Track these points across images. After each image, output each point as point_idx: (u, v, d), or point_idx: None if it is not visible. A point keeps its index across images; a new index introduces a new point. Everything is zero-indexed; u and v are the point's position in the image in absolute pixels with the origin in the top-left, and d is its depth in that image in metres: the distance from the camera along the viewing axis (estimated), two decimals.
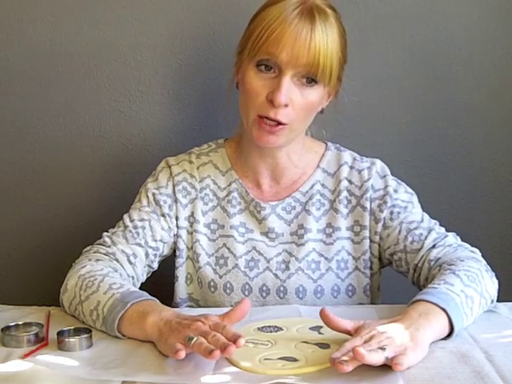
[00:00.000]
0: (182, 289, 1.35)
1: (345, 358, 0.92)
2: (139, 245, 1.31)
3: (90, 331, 1.08)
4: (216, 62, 1.52)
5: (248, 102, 1.25)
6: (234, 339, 0.95)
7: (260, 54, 1.22)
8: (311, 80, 1.22)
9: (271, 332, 1.09)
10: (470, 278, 1.12)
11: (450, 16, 1.55)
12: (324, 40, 1.20)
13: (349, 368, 0.90)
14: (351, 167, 1.35)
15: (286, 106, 1.21)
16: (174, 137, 1.57)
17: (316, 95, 1.24)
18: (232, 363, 0.98)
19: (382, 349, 0.93)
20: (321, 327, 1.09)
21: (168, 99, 1.57)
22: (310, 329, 1.09)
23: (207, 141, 1.42)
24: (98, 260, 1.27)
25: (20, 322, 1.13)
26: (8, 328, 1.11)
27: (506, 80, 1.58)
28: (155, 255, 1.33)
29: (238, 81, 1.30)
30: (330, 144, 1.39)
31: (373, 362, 0.92)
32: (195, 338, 0.97)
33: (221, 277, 1.32)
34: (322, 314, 1.03)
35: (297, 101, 1.22)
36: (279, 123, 1.22)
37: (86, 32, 1.53)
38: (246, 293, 1.32)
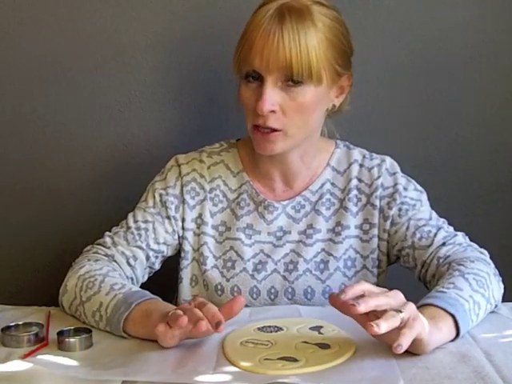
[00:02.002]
0: (186, 290, 1.34)
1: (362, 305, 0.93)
2: (140, 247, 1.30)
3: (90, 331, 1.08)
4: (216, 62, 1.52)
5: (244, 113, 1.25)
6: (215, 322, 0.98)
7: (242, 65, 1.22)
8: (297, 81, 1.20)
9: (271, 332, 1.08)
10: (478, 283, 1.11)
11: (453, 15, 1.55)
12: (295, 39, 1.17)
13: (360, 309, 0.92)
14: (361, 165, 1.34)
15: (274, 112, 1.20)
16: (174, 137, 1.57)
17: (307, 96, 1.21)
18: (232, 363, 0.98)
19: (399, 311, 0.94)
20: (321, 327, 1.09)
21: (168, 99, 1.57)
22: (310, 329, 1.09)
23: (207, 140, 1.41)
24: (96, 260, 1.26)
25: (20, 322, 1.13)
26: (8, 328, 1.11)
27: (507, 80, 1.58)
28: (156, 257, 1.33)
29: None
30: (339, 142, 1.37)
31: (391, 324, 0.93)
32: (172, 312, 1.00)
33: (228, 280, 1.31)
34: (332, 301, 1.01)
35: (286, 105, 1.20)
36: (272, 130, 1.21)
37: (85, 32, 1.53)
38: (254, 296, 1.31)
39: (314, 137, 1.31)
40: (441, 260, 1.23)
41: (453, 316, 1.03)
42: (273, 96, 1.20)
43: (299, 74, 1.18)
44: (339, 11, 1.26)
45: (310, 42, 1.18)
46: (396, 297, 0.98)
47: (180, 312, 1.00)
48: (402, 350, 0.92)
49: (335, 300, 0.98)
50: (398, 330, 0.94)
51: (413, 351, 0.98)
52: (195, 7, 1.54)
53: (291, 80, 1.20)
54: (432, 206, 1.33)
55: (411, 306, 0.97)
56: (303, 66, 1.18)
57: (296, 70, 1.18)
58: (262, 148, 1.24)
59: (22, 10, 1.52)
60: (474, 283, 1.11)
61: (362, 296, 0.98)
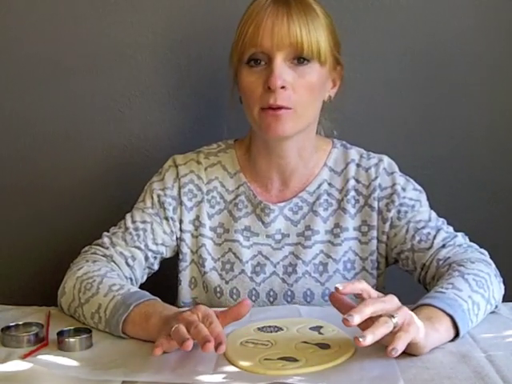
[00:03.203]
0: (185, 293, 1.34)
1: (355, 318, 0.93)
2: (138, 248, 1.30)
3: (90, 331, 1.08)
4: (216, 63, 1.52)
5: (249, 99, 1.24)
6: (217, 343, 0.95)
7: (246, 50, 1.22)
8: (303, 59, 1.22)
9: (271, 332, 1.08)
10: (478, 284, 1.11)
11: (453, 14, 1.55)
12: (303, 19, 1.20)
13: (354, 322, 0.92)
14: (358, 165, 1.33)
15: (284, 88, 1.20)
16: (174, 137, 1.57)
17: (313, 74, 1.23)
18: (232, 363, 0.98)
19: (392, 316, 0.94)
20: (321, 327, 1.09)
21: (168, 99, 1.57)
22: (310, 329, 1.09)
23: (207, 140, 1.41)
24: (95, 261, 1.26)
25: (20, 322, 1.13)
26: (8, 328, 1.11)
27: (508, 79, 1.58)
28: (155, 258, 1.32)
29: (240, 95, 1.29)
30: (336, 141, 1.37)
31: (381, 331, 0.93)
32: (175, 326, 0.98)
33: (227, 282, 1.31)
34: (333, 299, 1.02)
35: (295, 82, 1.21)
36: (283, 108, 1.21)
37: (85, 32, 1.53)
38: (253, 298, 1.31)
39: (311, 128, 1.31)
40: (440, 262, 1.23)
41: (451, 316, 1.02)
42: (283, 72, 1.21)
43: (309, 50, 1.21)
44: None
45: (316, 24, 1.22)
46: (391, 301, 0.98)
47: (184, 330, 0.98)
48: (397, 354, 0.92)
49: (335, 299, 0.99)
50: (393, 334, 0.94)
51: (410, 353, 0.98)
52: (195, 8, 1.54)
53: (299, 58, 1.21)
54: (432, 206, 1.32)
55: (405, 311, 0.97)
56: (313, 44, 1.21)
57: (306, 46, 1.20)
58: (273, 130, 1.23)
59: (22, 10, 1.52)
60: (474, 284, 1.10)
61: (359, 295, 0.98)
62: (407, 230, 1.28)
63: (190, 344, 0.95)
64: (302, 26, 1.20)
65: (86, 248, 1.32)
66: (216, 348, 0.95)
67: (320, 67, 1.23)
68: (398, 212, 1.29)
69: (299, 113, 1.23)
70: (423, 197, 1.32)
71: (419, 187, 1.33)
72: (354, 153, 1.35)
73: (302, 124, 1.25)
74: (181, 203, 1.33)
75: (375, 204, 1.31)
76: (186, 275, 1.34)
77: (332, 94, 1.31)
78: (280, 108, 1.21)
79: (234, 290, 1.31)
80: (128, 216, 1.33)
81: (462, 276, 1.12)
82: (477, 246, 1.27)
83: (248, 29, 1.22)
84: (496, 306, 1.16)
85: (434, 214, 1.31)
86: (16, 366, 0.99)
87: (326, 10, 1.26)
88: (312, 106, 1.26)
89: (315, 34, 1.21)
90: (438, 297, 1.06)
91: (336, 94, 1.32)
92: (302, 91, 1.22)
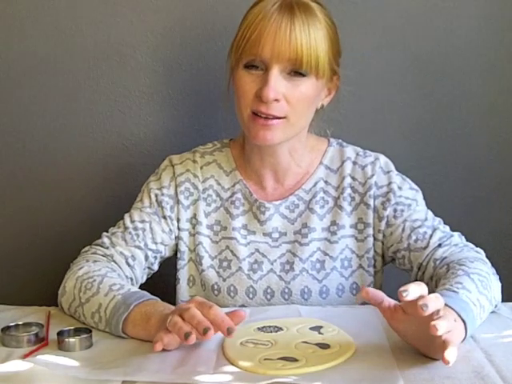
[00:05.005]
0: (183, 291, 1.35)
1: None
2: (138, 247, 1.30)
3: (90, 331, 1.08)
4: (216, 63, 1.52)
5: (240, 101, 1.24)
6: (226, 327, 0.96)
7: (244, 55, 1.22)
8: (300, 73, 1.21)
9: (271, 332, 1.08)
10: (483, 284, 1.09)
11: (451, 15, 1.55)
12: (305, 31, 1.19)
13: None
14: (354, 163, 1.33)
15: (277, 100, 1.21)
16: (174, 137, 1.57)
17: (309, 87, 1.23)
18: (232, 363, 0.98)
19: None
20: (321, 327, 1.09)
21: (168, 99, 1.57)
22: (310, 329, 1.09)
23: (207, 141, 1.41)
24: (95, 261, 1.26)
25: (20, 322, 1.13)
26: (8, 328, 1.11)
27: (506, 80, 1.58)
28: (155, 257, 1.33)
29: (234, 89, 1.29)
30: (332, 140, 1.37)
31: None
32: (170, 318, 0.98)
33: (224, 280, 1.32)
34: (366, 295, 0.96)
35: (290, 94, 1.21)
36: (274, 117, 1.21)
37: (86, 32, 1.53)
38: (251, 296, 1.31)
39: (302, 133, 1.31)
40: (437, 262, 1.22)
41: (464, 322, 1.00)
42: (278, 84, 1.20)
43: (308, 66, 1.20)
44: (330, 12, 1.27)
45: (318, 36, 1.21)
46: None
47: (178, 319, 0.98)
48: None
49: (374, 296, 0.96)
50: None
51: (434, 356, 0.96)
52: (195, 7, 1.54)
53: (296, 71, 1.21)
54: (428, 206, 1.32)
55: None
56: (312, 59, 1.20)
57: (306, 61, 1.20)
58: (262, 137, 1.23)
59: (22, 9, 1.53)
60: (479, 284, 1.09)
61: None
62: (403, 229, 1.28)
63: (193, 339, 0.96)
64: (304, 40, 1.19)
65: (86, 248, 1.32)
66: (229, 333, 0.97)
67: (316, 80, 1.23)
68: (395, 211, 1.29)
69: (291, 122, 1.24)
70: (419, 196, 1.32)
71: (415, 186, 1.33)
72: (350, 151, 1.35)
73: (293, 132, 1.26)
74: (178, 202, 1.34)
75: (371, 202, 1.31)
76: (184, 273, 1.35)
77: (325, 102, 1.32)
78: (271, 118, 1.21)
79: (232, 288, 1.31)
80: (127, 216, 1.34)
81: (468, 275, 1.10)
82: (473, 246, 1.26)
83: (250, 35, 1.21)
84: (496, 305, 1.15)
85: (430, 214, 1.30)
86: (16, 366, 0.98)
87: (331, 18, 1.25)
88: (305, 115, 1.27)
89: (316, 49, 1.20)
90: (452, 297, 1.02)
91: (330, 101, 1.32)
92: (295, 102, 1.22)
